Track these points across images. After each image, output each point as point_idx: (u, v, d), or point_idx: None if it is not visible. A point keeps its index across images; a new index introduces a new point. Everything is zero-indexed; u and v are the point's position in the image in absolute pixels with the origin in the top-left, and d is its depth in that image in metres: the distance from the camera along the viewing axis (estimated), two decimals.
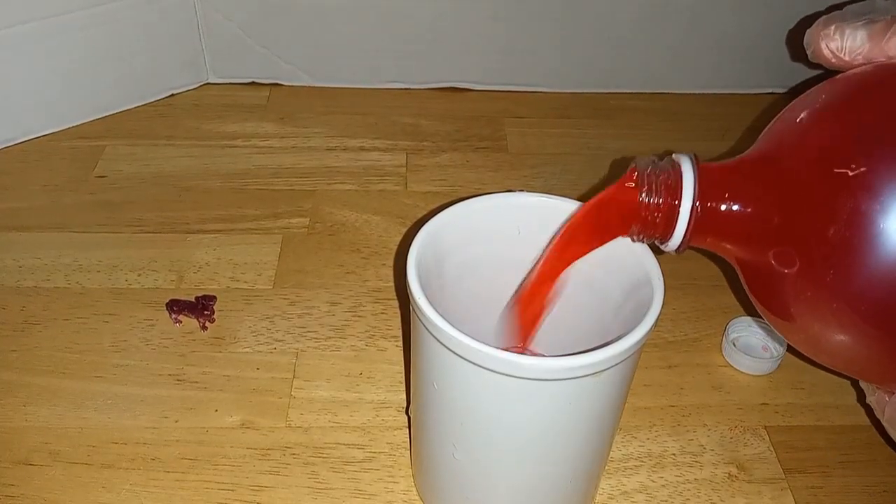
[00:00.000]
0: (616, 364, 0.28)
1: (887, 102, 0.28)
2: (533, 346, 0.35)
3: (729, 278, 0.51)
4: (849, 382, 0.44)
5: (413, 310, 0.30)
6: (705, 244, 0.31)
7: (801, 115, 0.30)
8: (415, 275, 0.30)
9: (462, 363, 0.28)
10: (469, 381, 0.29)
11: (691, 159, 0.29)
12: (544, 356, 0.28)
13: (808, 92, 0.31)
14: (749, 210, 0.29)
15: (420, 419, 0.34)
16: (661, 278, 0.31)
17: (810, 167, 0.28)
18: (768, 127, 0.31)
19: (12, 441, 0.40)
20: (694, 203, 0.29)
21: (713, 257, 0.52)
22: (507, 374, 0.27)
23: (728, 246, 0.31)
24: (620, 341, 0.28)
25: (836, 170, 0.27)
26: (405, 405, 0.42)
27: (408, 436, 0.41)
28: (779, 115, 0.31)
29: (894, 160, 0.26)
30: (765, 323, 0.46)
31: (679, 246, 0.30)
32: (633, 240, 0.31)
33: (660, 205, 0.29)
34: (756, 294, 0.32)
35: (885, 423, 0.32)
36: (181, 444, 0.40)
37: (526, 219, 0.35)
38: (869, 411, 0.38)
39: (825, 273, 0.27)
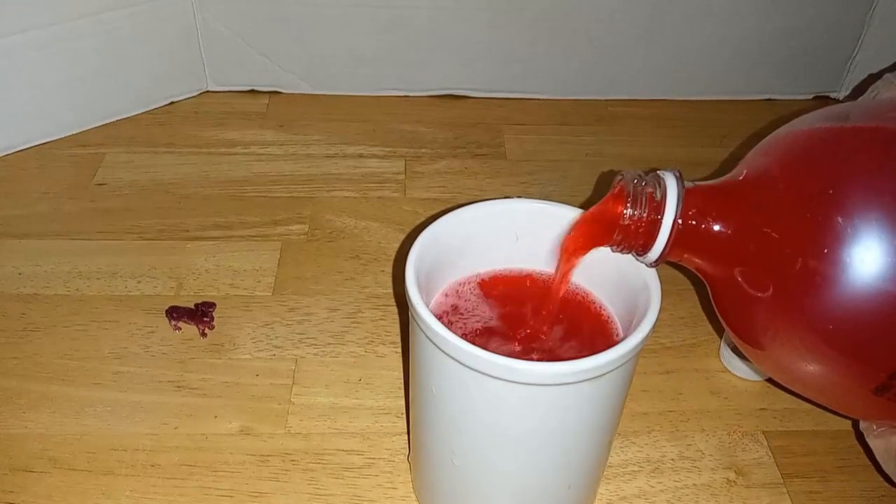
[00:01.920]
0: (613, 369, 0.28)
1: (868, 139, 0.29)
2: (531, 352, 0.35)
3: None
4: None
5: (411, 316, 0.30)
6: (682, 259, 0.32)
7: (785, 143, 0.31)
8: (413, 281, 0.30)
9: (460, 368, 0.28)
10: (467, 386, 0.29)
11: (676, 176, 0.31)
12: (542, 361, 0.28)
13: (795, 120, 0.31)
14: (728, 230, 0.30)
15: (419, 425, 0.34)
16: (659, 284, 0.31)
17: (790, 191, 0.29)
18: (753, 150, 0.32)
19: (12, 448, 0.40)
20: (675, 219, 0.30)
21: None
22: (504, 380, 0.27)
23: (704, 264, 0.32)
24: (617, 346, 0.28)
25: (813, 195, 0.28)
26: (404, 411, 0.43)
27: (406, 442, 0.41)
28: (764, 140, 0.32)
29: (868, 186, 0.27)
30: None
31: (657, 259, 0.31)
32: (612, 250, 0.32)
33: (643, 218, 0.30)
34: (725, 315, 0.33)
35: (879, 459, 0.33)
36: (181, 451, 0.40)
37: (524, 225, 0.35)
38: (863, 442, 0.39)
39: (799, 299, 0.28)
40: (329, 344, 0.46)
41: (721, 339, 0.47)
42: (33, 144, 0.61)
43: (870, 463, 0.41)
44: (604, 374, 0.28)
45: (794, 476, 0.40)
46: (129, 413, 0.42)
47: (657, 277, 0.31)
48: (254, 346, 0.46)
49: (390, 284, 0.50)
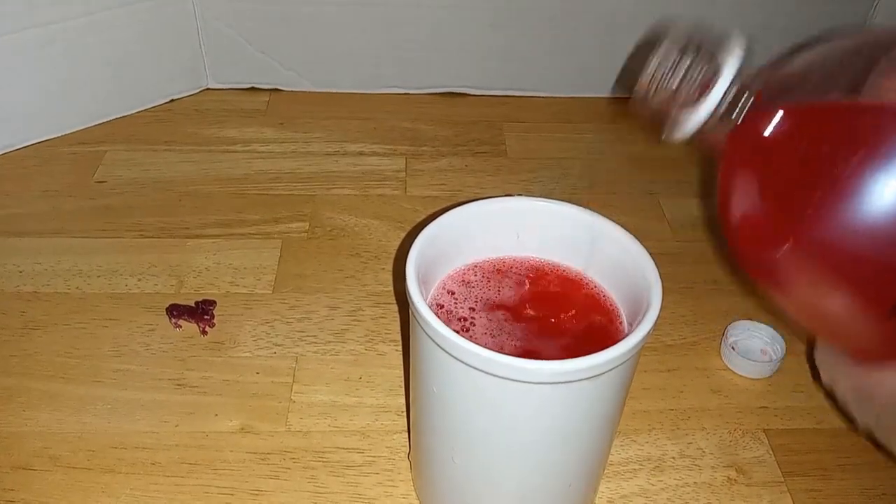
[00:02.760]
0: (614, 367, 0.28)
1: None
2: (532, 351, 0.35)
3: (727, 282, 0.51)
4: None
5: (412, 314, 0.30)
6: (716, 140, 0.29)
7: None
8: (414, 279, 0.30)
9: (459, 366, 0.28)
10: (467, 384, 0.29)
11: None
12: (542, 360, 0.28)
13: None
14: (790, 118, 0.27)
15: (419, 424, 0.34)
16: (659, 281, 0.31)
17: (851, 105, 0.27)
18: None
19: (12, 446, 0.40)
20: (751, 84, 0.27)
21: (711, 263, 0.52)
22: (504, 378, 0.27)
23: (742, 148, 0.29)
24: (618, 345, 0.27)
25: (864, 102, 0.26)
26: (405, 409, 0.42)
27: (406, 440, 0.41)
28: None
29: None
30: (764, 326, 0.47)
31: (705, 119, 0.28)
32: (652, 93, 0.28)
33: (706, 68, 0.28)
34: (740, 222, 0.30)
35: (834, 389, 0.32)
36: (181, 449, 0.40)
37: (524, 223, 0.35)
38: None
39: (838, 204, 0.27)
40: (329, 342, 0.46)
41: (722, 337, 0.47)
42: (33, 142, 0.61)
43: (870, 461, 0.41)
44: (605, 373, 0.28)
45: (795, 474, 0.40)
46: (129, 411, 0.42)
47: (657, 273, 0.31)
48: (254, 343, 0.46)
49: (391, 282, 0.50)
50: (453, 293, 0.34)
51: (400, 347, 0.46)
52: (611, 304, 0.34)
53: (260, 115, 0.65)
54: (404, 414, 0.42)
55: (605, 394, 0.29)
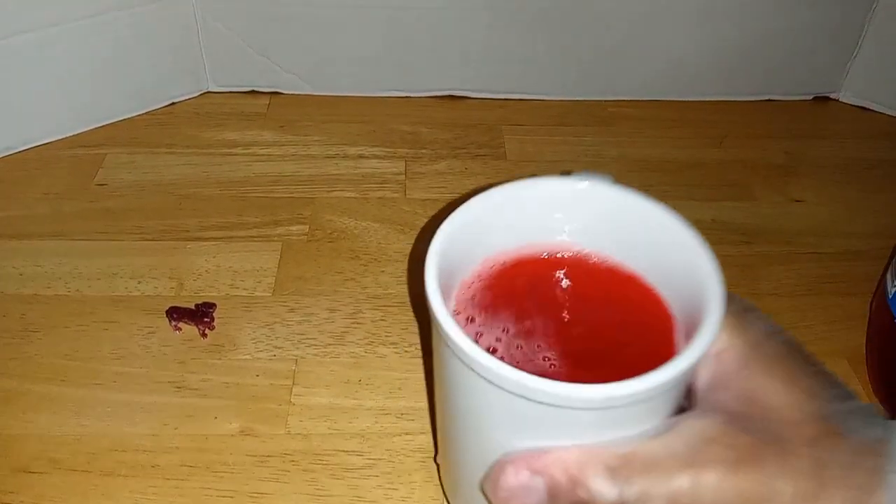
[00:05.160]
0: (674, 386, 0.25)
1: None
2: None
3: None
4: None
5: (435, 329, 0.27)
6: None
7: None
8: (436, 291, 0.26)
9: (494, 391, 0.25)
10: (501, 407, 0.26)
11: None
12: (588, 383, 0.24)
13: None
14: None
15: (452, 442, 0.31)
16: (722, 285, 0.27)
17: None
18: None
19: (12, 448, 0.40)
20: None
21: None
22: (546, 404, 0.24)
23: None
24: (678, 359, 0.24)
25: None
26: (405, 412, 0.42)
27: (407, 443, 0.41)
28: None
29: None
30: None
31: None
32: None
33: None
34: None
35: None
36: (181, 452, 0.40)
37: (563, 210, 0.30)
38: None
39: None
40: (329, 344, 0.46)
41: None
42: (33, 145, 0.61)
43: None
44: (662, 393, 0.24)
45: None
46: (129, 414, 0.42)
47: (720, 276, 0.27)
48: (254, 346, 0.46)
49: (391, 285, 0.50)
50: (479, 299, 0.30)
51: (400, 349, 0.46)
52: (666, 310, 0.29)
53: (260, 117, 0.65)
54: (404, 416, 0.42)
55: (657, 412, 0.26)
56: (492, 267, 0.31)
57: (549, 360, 0.28)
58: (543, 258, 0.31)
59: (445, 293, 0.27)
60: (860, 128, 0.66)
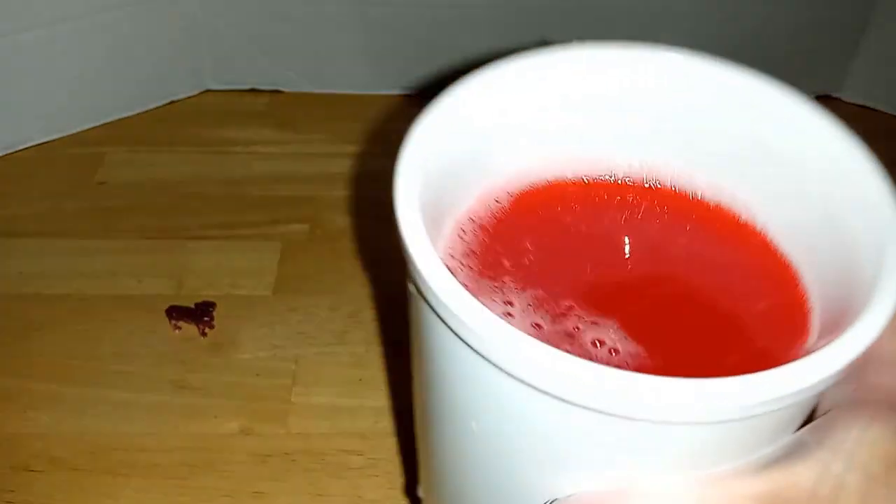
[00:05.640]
0: (801, 400, 0.15)
1: None
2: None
3: None
4: None
5: (416, 295, 0.18)
6: None
7: None
8: (420, 236, 0.17)
9: (523, 390, 0.15)
10: (534, 417, 0.16)
11: None
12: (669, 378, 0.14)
13: None
14: None
15: (450, 474, 0.21)
16: None
17: None
18: None
19: (12, 447, 0.40)
20: None
21: None
22: (605, 413, 0.15)
23: None
24: (815, 356, 0.15)
25: None
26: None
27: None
28: None
29: None
30: None
31: None
32: None
33: None
34: None
35: None
36: (181, 451, 0.40)
37: (639, 103, 0.19)
38: None
39: None
40: (330, 343, 0.46)
41: None
42: (33, 143, 0.60)
43: None
44: (785, 408, 0.15)
45: None
46: (129, 412, 0.42)
47: None
48: (254, 345, 0.46)
49: (392, 284, 0.50)
50: (490, 245, 0.19)
51: (401, 349, 0.46)
52: (794, 277, 0.19)
53: (261, 116, 0.65)
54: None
55: (797, 419, 0.17)
56: (503, 199, 0.21)
57: (606, 345, 0.18)
58: (589, 183, 0.20)
59: (432, 235, 0.18)
60: (862, 127, 0.66)
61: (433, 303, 0.16)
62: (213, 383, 0.43)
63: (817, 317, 0.18)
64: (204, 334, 0.46)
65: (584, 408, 0.15)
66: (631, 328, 0.18)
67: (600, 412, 0.15)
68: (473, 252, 0.20)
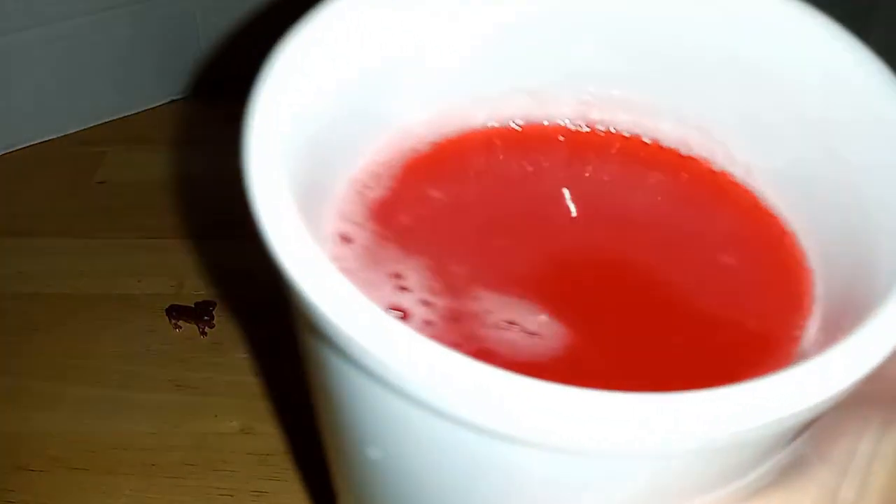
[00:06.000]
0: (803, 420, 0.11)
1: None
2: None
3: None
4: None
5: (300, 306, 0.14)
6: None
7: None
8: (289, 206, 0.13)
9: (430, 422, 0.12)
10: (445, 452, 0.12)
11: None
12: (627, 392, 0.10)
13: None
14: None
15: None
16: None
17: None
18: None
19: (11, 446, 0.40)
20: None
21: None
22: (568, 452, 0.11)
23: None
24: (826, 355, 0.11)
25: None
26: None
27: None
28: None
29: None
30: None
31: None
32: None
33: None
34: None
35: None
36: (181, 450, 0.40)
37: (600, 27, 0.14)
38: None
39: None
40: None
41: None
42: (33, 143, 0.60)
43: None
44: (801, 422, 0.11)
45: None
46: (129, 412, 0.42)
47: None
48: (254, 345, 0.45)
49: None
50: (394, 203, 0.15)
51: None
52: (785, 235, 0.15)
53: None
54: None
55: (787, 438, 0.12)
56: (421, 148, 0.16)
57: (535, 334, 0.13)
58: (523, 128, 0.16)
59: (308, 203, 0.14)
60: None
61: (313, 312, 0.13)
62: (213, 382, 0.43)
63: (820, 284, 0.14)
64: (204, 333, 0.46)
65: (494, 434, 0.10)
66: (565, 312, 0.13)
67: (513, 441, 0.10)
68: (374, 211, 0.16)
